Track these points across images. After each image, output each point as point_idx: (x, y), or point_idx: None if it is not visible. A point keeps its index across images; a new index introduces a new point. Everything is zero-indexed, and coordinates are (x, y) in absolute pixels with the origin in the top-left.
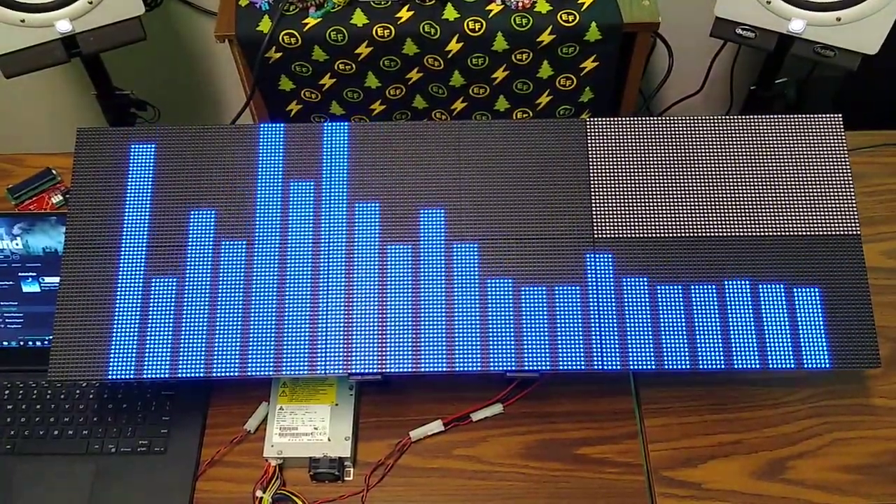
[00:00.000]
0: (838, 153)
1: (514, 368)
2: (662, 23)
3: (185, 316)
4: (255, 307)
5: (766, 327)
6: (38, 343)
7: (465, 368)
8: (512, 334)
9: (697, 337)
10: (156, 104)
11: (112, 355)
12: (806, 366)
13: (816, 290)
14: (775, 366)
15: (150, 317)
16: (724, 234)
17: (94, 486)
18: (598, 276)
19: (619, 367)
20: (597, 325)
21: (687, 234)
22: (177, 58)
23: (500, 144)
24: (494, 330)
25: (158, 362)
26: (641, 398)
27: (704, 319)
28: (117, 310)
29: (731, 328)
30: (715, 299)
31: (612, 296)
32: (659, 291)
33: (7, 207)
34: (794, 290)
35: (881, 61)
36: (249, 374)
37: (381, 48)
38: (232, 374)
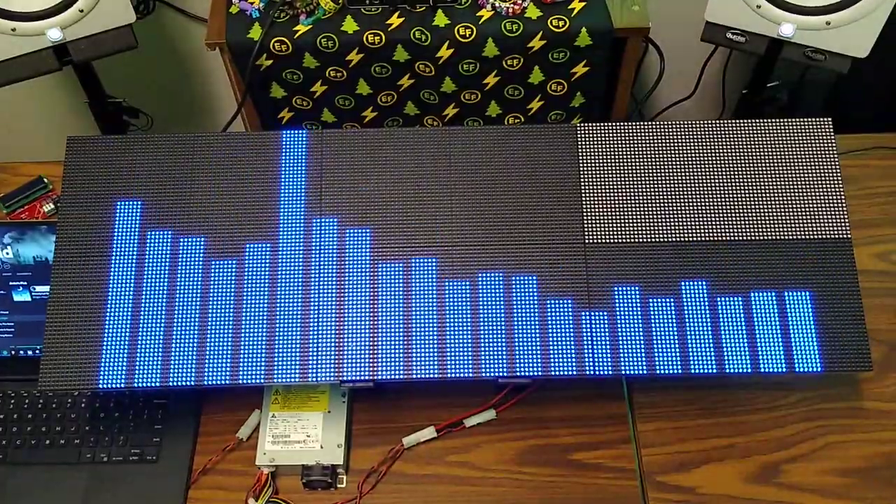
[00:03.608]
0: (828, 157)
1: (505, 375)
2: (653, 27)
3: (175, 324)
4: (246, 315)
5: (757, 331)
6: (30, 352)
7: (457, 375)
8: (504, 340)
9: (689, 341)
10: (148, 112)
11: (103, 364)
12: (798, 369)
13: (807, 293)
14: (767, 370)
15: (141, 325)
16: (716, 239)
17: (87, 495)
18: (590, 281)
19: (610, 373)
20: (588, 330)
21: (678, 239)
22: (169, 65)
23: (491, 150)
24: (486, 336)
25: (149, 371)
26: (634, 403)
27: (696, 324)
28: (108, 319)
29: (723, 332)
30: (706, 303)
31: (604, 301)
32: (650, 296)
33: None
34: (786, 293)
35: (872, 64)
36: (241, 382)
37: (372, 55)
38: (223, 382)
